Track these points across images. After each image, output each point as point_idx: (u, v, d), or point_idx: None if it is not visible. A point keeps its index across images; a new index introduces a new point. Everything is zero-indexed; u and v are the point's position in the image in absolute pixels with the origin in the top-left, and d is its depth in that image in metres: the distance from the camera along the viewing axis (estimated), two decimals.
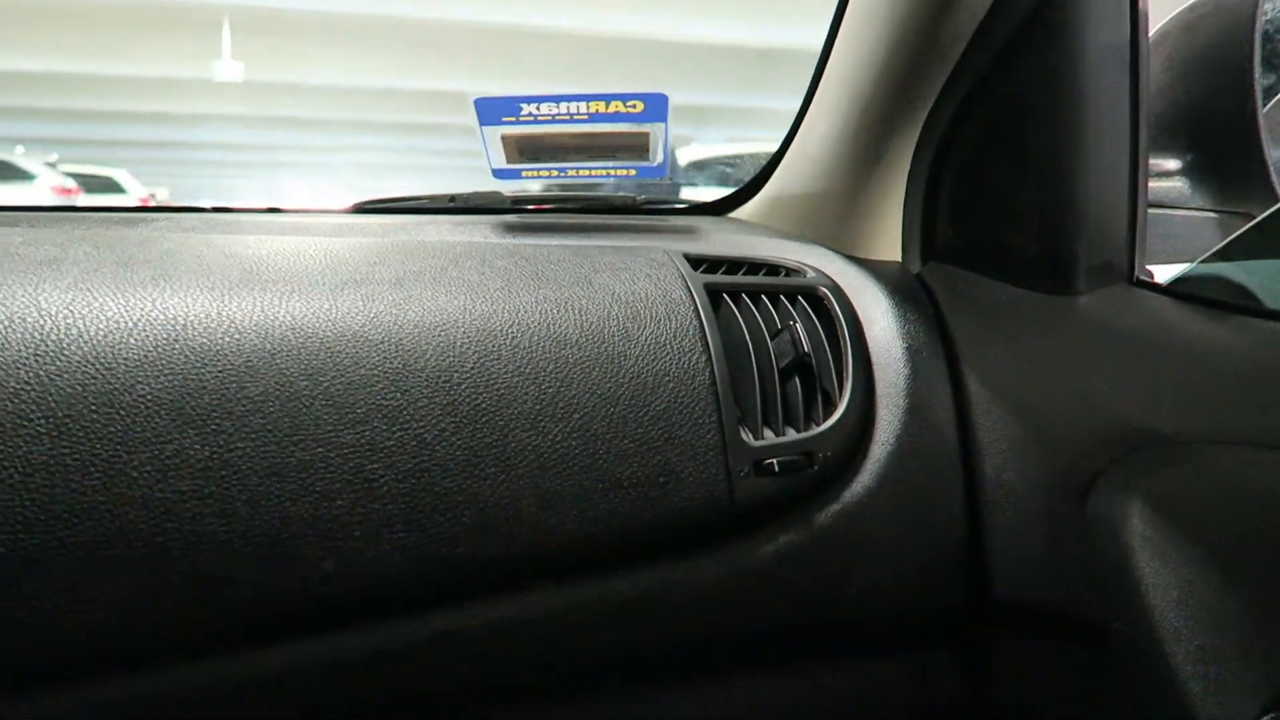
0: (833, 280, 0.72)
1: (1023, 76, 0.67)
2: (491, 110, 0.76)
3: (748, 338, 0.66)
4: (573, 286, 0.64)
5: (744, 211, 0.97)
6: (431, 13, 11.00)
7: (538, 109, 0.74)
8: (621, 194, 0.88)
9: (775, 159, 0.90)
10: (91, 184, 14.21)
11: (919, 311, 0.71)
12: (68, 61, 12.65)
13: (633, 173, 0.77)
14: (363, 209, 0.94)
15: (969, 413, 0.67)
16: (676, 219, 0.93)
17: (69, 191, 11.76)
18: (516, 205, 0.90)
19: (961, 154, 0.72)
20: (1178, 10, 0.73)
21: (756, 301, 0.69)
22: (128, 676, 0.49)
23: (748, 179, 0.95)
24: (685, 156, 6.72)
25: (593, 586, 0.58)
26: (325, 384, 0.53)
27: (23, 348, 0.50)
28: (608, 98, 0.73)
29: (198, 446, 0.50)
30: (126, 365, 0.50)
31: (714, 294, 0.68)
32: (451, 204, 0.93)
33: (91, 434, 0.48)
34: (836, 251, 0.79)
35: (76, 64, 12.79)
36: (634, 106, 0.73)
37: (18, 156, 12.21)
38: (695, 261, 0.72)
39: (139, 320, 0.53)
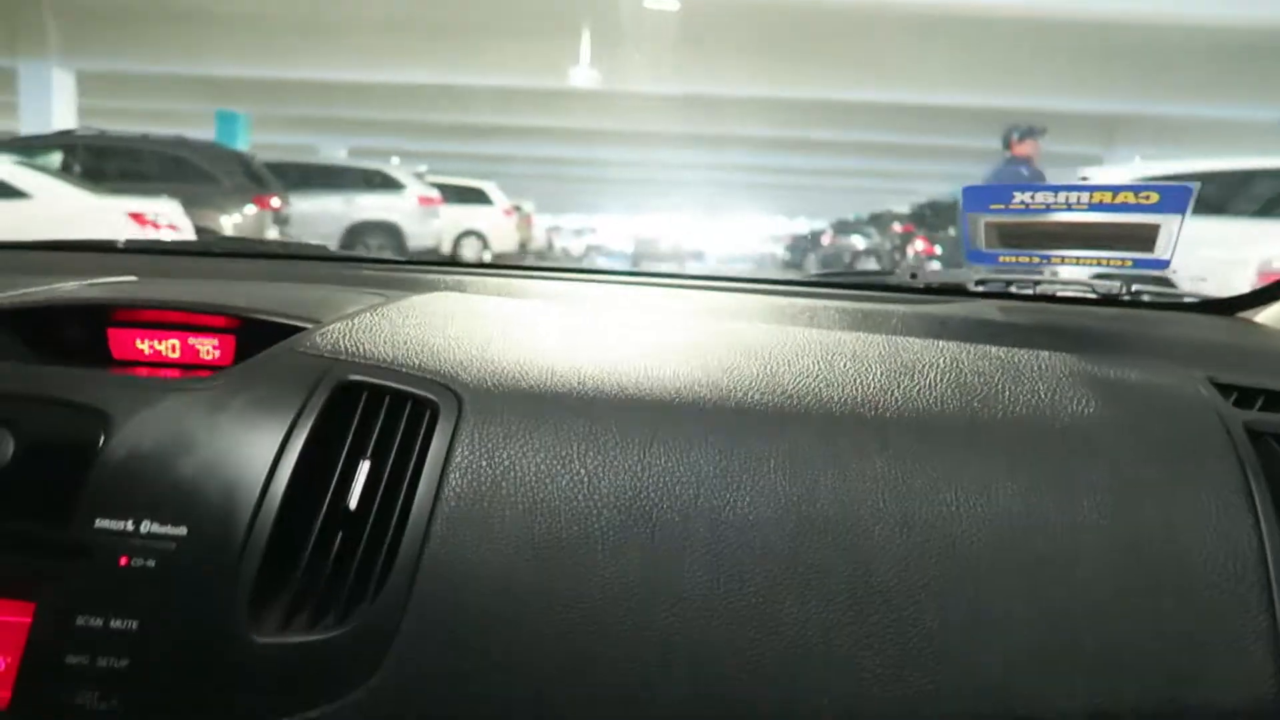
0: None
1: None
2: (979, 198, 0.75)
3: None
4: (1088, 423, 0.59)
5: (1268, 315, 0.85)
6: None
7: (1032, 198, 0.72)
8: (1105, 280, 0.81)
9: None
10: (462, 194, 15.45)
11: None
12: (431, 73, 13.57)
13: (1128, 263, 0.72)
14: (815, 285, 0.97)
15: None
16: (1178, 318, 0.86)
17: (433, 201, 12.57)
18: (981, 287, 0.87)
19: None
20: None
21: None
22: None
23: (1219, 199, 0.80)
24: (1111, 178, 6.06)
25: None
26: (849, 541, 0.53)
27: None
28: (1117, 189, 0.69)
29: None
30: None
31: (1256, 436, 0.59)
32: (913, 281, 0.93)
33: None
34: None
35: (441, 75, 13.68)
36: (1147, 198, 0.69)
37: (392, 168, 13.68)
38: (1225, 388, 0.64)
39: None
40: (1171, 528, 0.54)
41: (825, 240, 18.74)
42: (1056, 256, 0.75)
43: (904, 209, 16.94)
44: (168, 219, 6.17)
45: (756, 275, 1.02)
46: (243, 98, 15.58)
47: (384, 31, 12.20)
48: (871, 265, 15.73)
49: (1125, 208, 0.69)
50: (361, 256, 1.15)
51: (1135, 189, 0.68)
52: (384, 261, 1.12)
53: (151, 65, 12.89)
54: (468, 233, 15.71)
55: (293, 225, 8.83)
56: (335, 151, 17.70)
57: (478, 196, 15.63)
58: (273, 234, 8.23)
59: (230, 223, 7.64)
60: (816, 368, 0.63)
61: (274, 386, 0.61)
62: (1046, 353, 0.67)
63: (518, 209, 17.81)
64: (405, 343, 0.65)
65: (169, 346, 0.72)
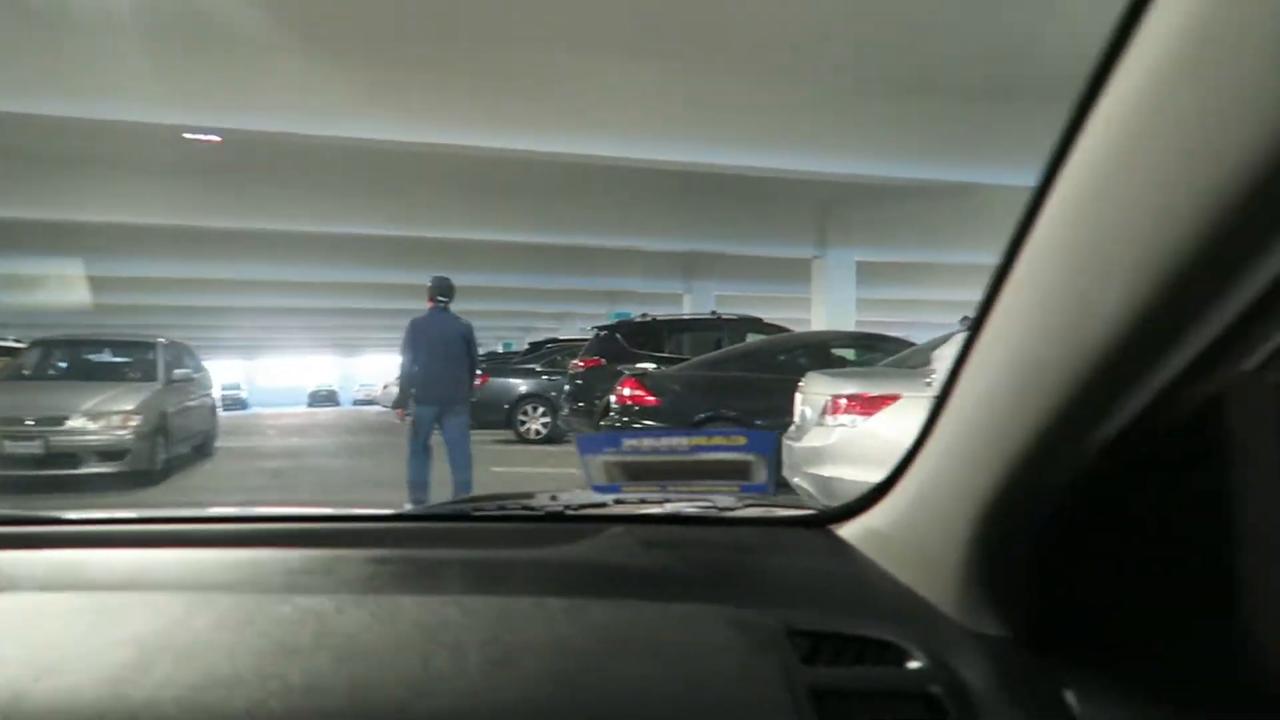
0: (950, 672, 0.69)
1: None
2: (593, 444, 0.84)
3: None
4: (665, 691, 0.64)
5: (849, 530, 0.93)
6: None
7: (640, 443, 0.82)
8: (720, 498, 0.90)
9: (896, 471, 0.83)
10: None
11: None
12: None
13: (736, 489, 0.83)
14: (440, 515, 1.00)
15: None
16: (780, 536, 0.96)
17: None
18: (620, 509, 0.94)
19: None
20: None
21: (868, 703, 0.66)
22: None
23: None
24: None
25: None
26: None
27: None
28: (710, 433, 0.81)
29: None
30: None
31: (819, 694, 0.66)
32: (555, 506, 0.98)
33: None
34: (950, 618, 0.73)
35: None
36: (737, 440, 0.81)
37: None
38: (798, 637, 0.71)
39: None
40: None
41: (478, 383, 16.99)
42: (673, 485, 0.84)
43: (568, 335, 15.62)
44: None
45: (366, 513, 1.02)
46: None
47: None
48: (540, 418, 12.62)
49: (721, 449, 0.81)
50: None
51: (726, 433, 0.80)
52: None
53: None
54: None
55: None
56: None
57: None
58: None
59: None
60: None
61: None
62: (639, 607, 0.73)
63: None
64: None
65: None
